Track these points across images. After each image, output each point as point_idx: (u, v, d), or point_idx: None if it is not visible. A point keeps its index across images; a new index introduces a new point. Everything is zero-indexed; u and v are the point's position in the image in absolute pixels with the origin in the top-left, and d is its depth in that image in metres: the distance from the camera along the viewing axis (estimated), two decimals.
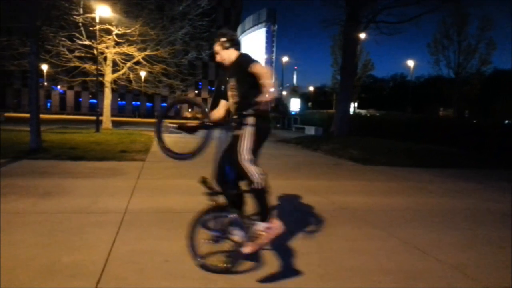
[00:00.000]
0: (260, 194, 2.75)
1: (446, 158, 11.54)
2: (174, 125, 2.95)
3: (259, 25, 23.79)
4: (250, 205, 2.91)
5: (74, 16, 15.00)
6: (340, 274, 2.89)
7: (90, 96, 61.87)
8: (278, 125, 32.82)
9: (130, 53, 17.77)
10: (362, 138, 16.66)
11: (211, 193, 2.82)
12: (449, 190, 6.70)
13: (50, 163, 7.56)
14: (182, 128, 2.96)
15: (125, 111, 61.23)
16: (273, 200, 5.22)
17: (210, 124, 2.79)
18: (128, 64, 18.45)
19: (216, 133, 2.88)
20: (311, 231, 3.91)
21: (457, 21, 35.52)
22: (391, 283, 2.78)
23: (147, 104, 63.12)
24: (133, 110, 61.73)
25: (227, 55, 3.07)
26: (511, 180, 8.19)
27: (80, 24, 16.11)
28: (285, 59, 46.61)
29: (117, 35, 16.92)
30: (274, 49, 23.14)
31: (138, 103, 62.68)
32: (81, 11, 15.15)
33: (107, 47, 17.71)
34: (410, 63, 43.11)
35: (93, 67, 18.19)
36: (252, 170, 2.76)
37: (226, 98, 3.05)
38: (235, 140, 2.86)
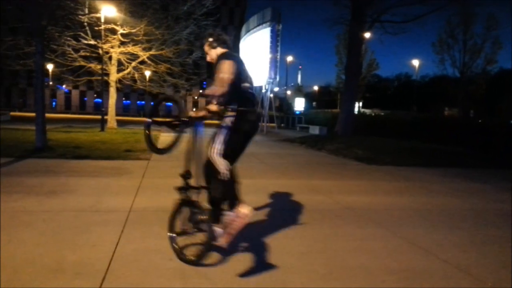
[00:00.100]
0: (227, 185, 2.89)
1: (451, 157, 11.49)
2: (150, 121, 3.16)
3: (264, 25, 23.71)
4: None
5: (80, 16, 15.05)
6: (344, 273, 2.89)
7: (95, 95, 62.13)
8: (282, 125, 32.82)
9: (135, 52, 17.82)
10: (366, 138, 16.62)
11: (185, 188, 2.98)
12: (454, 190, 6.67)
13: (55, 162, 7.61)
14: (167, 125, 3.03)
15: (130, 110, 61.44)
16: (275, 199, 5.23)
17: (185, 120, 2.88)
18: (133, 63, 18.50)
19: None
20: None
21: (462, 20, 35.29)
22: (395, 282, 2.77)
23: (152, 103, 63.23)
24: (138, 109, 61.91)
25: (215, 54, 3.17)
26: None
27: (85, 23, 16.17)
28: (289, 58, 46.64)
29: (122, 34, 16.97)
30: (279, 48, 23.06)
31: (143, 102, 62.83)
32: (86, 11, 15.20)
33: (112, 47, 17.77)
34: (415, 62, 42.99)
35: (98, 66, 18.26)
36: (220, 162, 2.89)
37: None
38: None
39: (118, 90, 19.99)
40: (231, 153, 2.99)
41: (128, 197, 4.87)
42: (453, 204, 5.57)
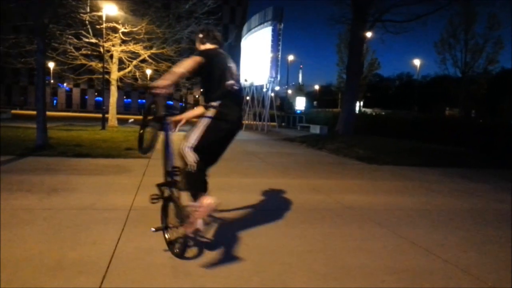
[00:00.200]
0: (191, 176, 2.94)
1: (452, 157, 11.48)
2: (132, 120, 3.34)
3: (265, 24, 23.67)
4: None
5: (81, 14, 15.07)
6: (344, 273, 2.89)
7: (96, 93, 62.22)
8: (283, 124, 32.82)
9: (136, 51, 17.83)
10: (367, 137, 16.60)
11: (165, 184, 3.10)
12: (455, 190, 6.67)
13: (56, 160, 7.62)
14: (155, 119, 3.14)
15: (130, 108, 61.50)
16: (275, 198, 5.23)
17: (159, 117, 3.02)
18: (134, 62, 18.51)
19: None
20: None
21: (464, 20, 35.24)
22: (395, 282, 2.77)
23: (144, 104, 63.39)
24: (139, 108, 61.98)
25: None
26: None
27: (87, 22, 16.19)
28: (290, 57, 46.63)
29: (123, 33, 16.98)
30: (280, 47, 23.04)
31: (144, 101, 62.89)
32: (88, 9, 15.22)
33: (113, 45, 17.78)
34: (417, 62, 42.96)
35: (99, 65, 18.28)
36: (188, 154, 2.94)
37: None
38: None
39: (119, 88, 20.00)
40: (206, 149, 3.00)
41: (129, 195, 4.88)
42: (454, 204, 5.57)
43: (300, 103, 41.03)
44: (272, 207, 4.73)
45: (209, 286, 2.56)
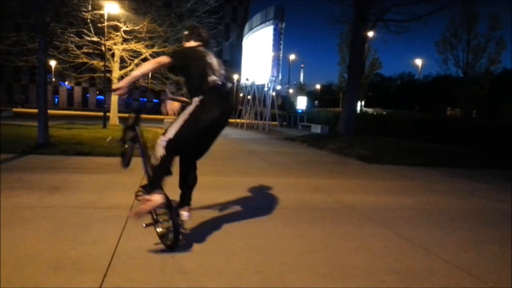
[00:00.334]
0: (153, 169, 3.08)
1: (453, 157, 11.47)
2: (110, 138, 3.66)
3: (267, 23, 23.67)
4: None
5: (83, 13, 15.07)
6: (345, 272, 2.89)
7: (97, 92, 62.26)
8: (284, 123, 32.80)
9: (138, 49, 17.83)
10: (368, 137, 16.60)
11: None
12: (456, 190, 6.66)
13: (57, 158, 7.63)
14: (128, 128, 3.48)
15: (132, 107, 61.47)
16: (276, 197, 5.23)
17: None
18: (136, 60, 18.51)
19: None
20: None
21: (466, 20, 35.19)
22: (395, 282, 2.77)
23: (154, 100, 63.35)
24: (140, 106, 61.94)
25: None
26: None
27: (89, 20, 16.19)
28: (292, 57, 46.59)
29: (125, 31, 16.98)
30: (282, 47, 23.03)
31: (145, 99, 62.89)
32: (89, 7, 15.21)
33: (115, 44, 17.79)
34: (418, 61, 42.86)
35: (101, 63, 18.29)
36: (159, 149, 3.01)
37: None
38: None
39: None
40: (185, 143, 3.06)
41: (130, 194, 4.85)
42: (454, 204, 5.56)
43: (301, 103, 41.04)
44: (272, 206, 4.73)
45: (209, 285, 2.56)
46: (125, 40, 17.65)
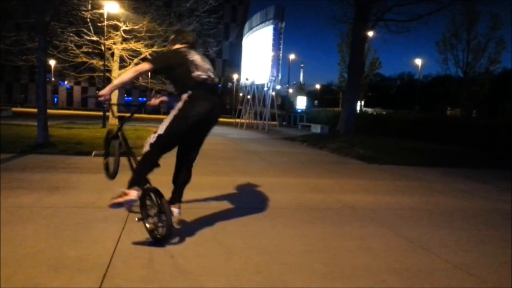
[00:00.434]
0: (138, 163, 3.25)
1: (453, 157, 11.47)
2: (94, 153, 3.87)
3: (267, 22, 23.66)
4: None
5: (82, 12, 15.07)
6: (345, 272, 2.88)
7: (96, 91, 62.03)
8: (284, 123, 32.81)
9: (137, 49, 17.83)
10: (368, 137, 16.60)
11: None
12: (456, 190, 6.66)
13: (57, 158, 7.62)
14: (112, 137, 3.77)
15: (131, 107, 61.48)
16: (276, 197, 5.23)
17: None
18: (135, 60, 18.50)
19: None
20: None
21: (466, 20, 35.19)
22: (396, 282, 2.77)
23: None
24: (140, 106, 61.91)
25: None
26: None
27: (88, 20, 16.19)
28: (292, 56, 46.59)
29: (124, 31, 16.98)
30: (281, 46, 23.03)
31: (145, 99, 62.82)
32: (89, 7, 15.21)
33: (114, 43, 17.79)
34: (418, 61, 42.87)
35: (100, 62, 18.28)
36: (146, 145, 3.15)
37: None
38: None
39: None
40: (176, 138, 3.19)
41: None
42: (454, 204, 5.56)
43: (301, 102, 41.09)
44: (272, 206, 4.72)
45: (210, 285, 2.56)
46: (124, 40, 17.65)
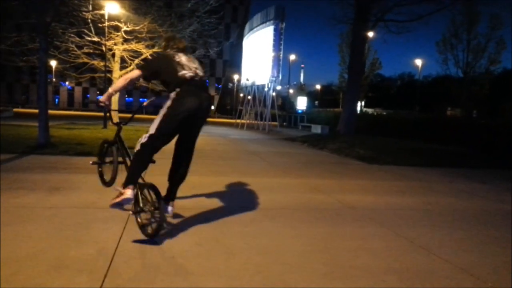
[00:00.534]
0: (131, 161, 3.34)
1: (453, 157, 11.47)
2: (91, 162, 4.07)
3: (267, 23, 23.68)
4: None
5: (83, 13, 15.08)
6: (345, 272, 2.89)
7: (98, 92, 62.24)
8: (284, 123, 32.81)
9: (138, 50, 17.84)
10: (368, 137, 16.60)
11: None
12: (456, 190, 6.66)
13: (58, 158, 7.63)
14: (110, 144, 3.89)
15: (132, 107, 61.49)
16: (276, 197, 5.24)
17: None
18: (136, 61, 18.52)
19: None
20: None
21: (466, 20, 35.18)
22: (396, 282, 2.78)
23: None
24: (140, 106, 61.90)
25: None
26: None
27: (89, 20, 16.20)
28: (292, 57, 46.57)
29: (125, 32, 16.99)
30: (282, 47, 23.03)
31: (145, 99, 62.86)
32: (90, 7, 15.22)
33: (115, 44, 17.79)
34: (418, 62, 42.80)
35: (101, 63, 18.30)
36: (138, 145, 3.22)
37: None
38: None
39: None
40: (167, 135, 3.26)
41: None
42: (454, 204, 5.56)
43: (302, 103, 41.06)
44: (272, 206, 4.73)
45: (210, 285, 2.56)
46: (125, 40, 17.66)
